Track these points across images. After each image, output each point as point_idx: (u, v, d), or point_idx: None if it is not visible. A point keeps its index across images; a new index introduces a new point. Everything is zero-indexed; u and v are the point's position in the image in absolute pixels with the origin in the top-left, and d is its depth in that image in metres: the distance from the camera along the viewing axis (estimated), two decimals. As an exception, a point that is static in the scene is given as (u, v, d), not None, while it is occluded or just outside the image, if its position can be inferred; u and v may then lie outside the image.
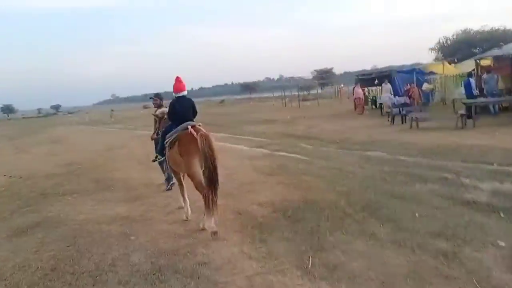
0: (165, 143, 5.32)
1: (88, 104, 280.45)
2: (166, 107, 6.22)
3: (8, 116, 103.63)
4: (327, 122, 17.33)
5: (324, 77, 75.26)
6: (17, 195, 7.56)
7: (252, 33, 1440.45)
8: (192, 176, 4.76)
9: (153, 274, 3.72)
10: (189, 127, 4.82)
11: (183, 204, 5.47)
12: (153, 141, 6.88)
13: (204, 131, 4.75)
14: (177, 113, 5.17)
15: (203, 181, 4.58)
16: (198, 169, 4.69)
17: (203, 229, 4.67)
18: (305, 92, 55.17)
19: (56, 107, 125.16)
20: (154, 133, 6.82)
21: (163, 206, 6.10)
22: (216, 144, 4.66)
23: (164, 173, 7.08)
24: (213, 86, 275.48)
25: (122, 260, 4.10)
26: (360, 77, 24.58)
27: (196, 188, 4.73)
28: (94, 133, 23.17)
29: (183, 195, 5.55)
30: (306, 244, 4.11)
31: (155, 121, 6.72)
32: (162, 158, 5.82)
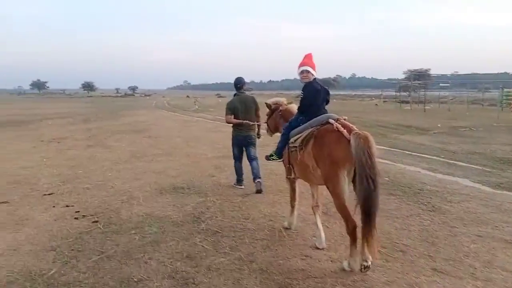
0: (289, 141, 3.94)
1: (163, 88, 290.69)
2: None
3: (88, 93, 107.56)
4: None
5: (419, 78, 66.29)
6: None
7: (323, 31, 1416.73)
8: (335, 194, 3.30)
9: None
10: (332, 121, 3.47)
11: (292, 218, 4.33)
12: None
13: (357, 129, 3.31)
14: (314, 101, 3.84)
15: (346, 201, 3.29)
16: (345, 185, 3.27)
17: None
18: (405, 93, 48.12)
19: (133, 88, 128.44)
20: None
21: None
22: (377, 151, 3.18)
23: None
24: (282, 80, 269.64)
25: None
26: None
27: (340, 210, 3.34)
28: (184, 124, 18.75)
29: (293, 206, 4.33)
30: None
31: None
32: (280, 160, 4.23)
